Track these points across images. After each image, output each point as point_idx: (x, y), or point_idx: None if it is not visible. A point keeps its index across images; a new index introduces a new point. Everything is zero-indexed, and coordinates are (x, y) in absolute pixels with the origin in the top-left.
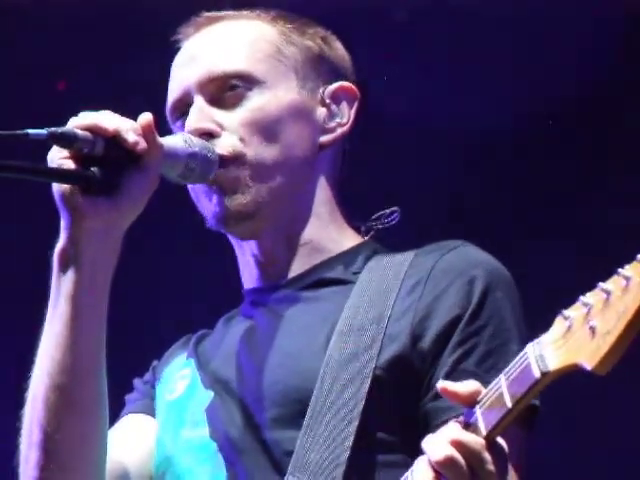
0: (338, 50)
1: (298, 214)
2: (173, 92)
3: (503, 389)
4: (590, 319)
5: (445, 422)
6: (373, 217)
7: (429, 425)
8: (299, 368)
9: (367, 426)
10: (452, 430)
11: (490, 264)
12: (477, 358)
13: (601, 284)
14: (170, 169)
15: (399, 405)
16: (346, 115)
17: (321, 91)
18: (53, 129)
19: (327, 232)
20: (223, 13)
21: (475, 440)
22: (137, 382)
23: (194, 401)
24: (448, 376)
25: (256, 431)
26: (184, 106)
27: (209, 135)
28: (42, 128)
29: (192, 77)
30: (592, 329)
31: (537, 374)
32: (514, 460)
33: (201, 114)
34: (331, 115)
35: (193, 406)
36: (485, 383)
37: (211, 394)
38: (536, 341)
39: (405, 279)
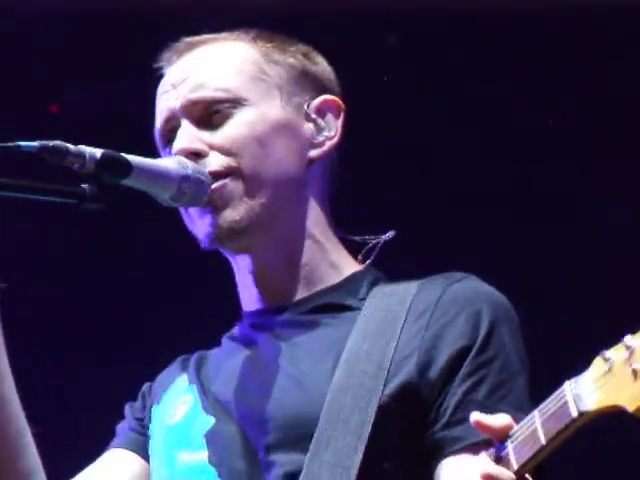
0: (320, 65)
1: (292, 232)
2: (159, 118)
3: (537, 425)
4: (633, 362)
5: (458, 451)
6: (367, 241)
7: (440, 454)
8: (305, 394)
9: (373, 455)
10: (484, 463)
11: (496, 297)
12: (487, 390)
13: None
14: (162, 191)
15: (405, 434)
16: (333, 128)
17: (306, 106)
18: (45, 142)
19: (325, 255)
20: (203, 37)
21: (506, 474)
22: (127, 411)
23: (195, 426)
24: (458, 406)
25: (257, 455)
26: (171, 131)
27: (198, 155)
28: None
29: (177, 102)
30: (635, 372)
31: (575, 413)
32: None
33: (189, 136)
34: (318, 129)
35: (193, 430)
36: (494, 414)
37: (212, 419)
38: (574, 380)
39: (411, 307)
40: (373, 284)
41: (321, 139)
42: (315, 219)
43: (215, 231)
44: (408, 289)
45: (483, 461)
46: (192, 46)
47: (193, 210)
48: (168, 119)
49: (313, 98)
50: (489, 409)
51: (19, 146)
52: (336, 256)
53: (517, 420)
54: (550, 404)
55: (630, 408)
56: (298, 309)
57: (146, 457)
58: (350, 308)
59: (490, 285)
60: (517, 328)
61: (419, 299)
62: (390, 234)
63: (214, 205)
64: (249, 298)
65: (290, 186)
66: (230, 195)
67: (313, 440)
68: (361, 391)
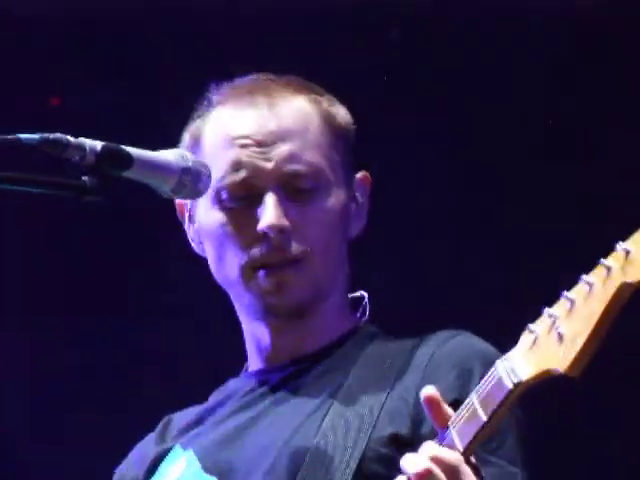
0: (350, 122)
1: (324, 306)
2: (238, 169)
3: (476, 405)
4: (557, 327)
5: None
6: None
7: None
8: (293, 450)
9: None
10: (430, 447)
11: (488, 354)
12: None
13: (565, 293)
14: (163, 183)
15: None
16: (366, 205)
17: (351, 186)
18: (45, 135)
19: (336, 314)
20: (262, 81)
21: (453, 454)
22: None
23: None
24: None
25: None
26: (248, 188)
27: (282, 231)
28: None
29: (267, 164)
30: (560, 335)
31: (510, 385)
32: None
33: (281, 212)
34: (358, 208)
35: None
36: (489, 465)
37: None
38: (504, 357)
39: (406, 362)
40: (371, 339)
41: (360, 218)
42: (342, 287)
43: (281, 306)
44: (404, 345)
45: (429, 445)
46: (257, 92)
47: (261, 284)
48: (252, 177)
49: (353, 169)
50: (480, 461)
51: (19, 139)
52: (344, 313)
53: (509, 475)
54: (485, 384)
55: (561, 369)
56: (296, 367)
57: None
58: (346, 364)
59: (484, 340)
60: None
61: (414, 355)
62: (361, 292)
63: (281, 282)
64: (254, 357)
65: (340, 268)
66: (297, 279)
67: None
68: (350, 433)
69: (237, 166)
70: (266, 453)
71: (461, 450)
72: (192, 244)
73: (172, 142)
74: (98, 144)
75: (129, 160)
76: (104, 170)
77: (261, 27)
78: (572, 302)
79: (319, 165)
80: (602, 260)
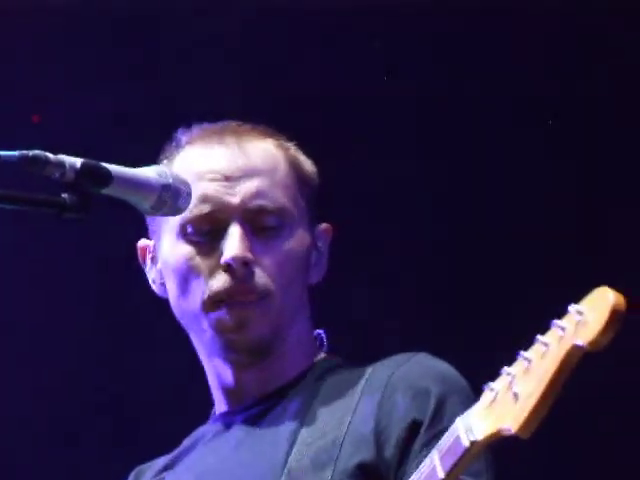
0: (314, 172)
1: (285, 344)
2: (204, 203)
3: (436, 462)
4: (513, 386)
5: None
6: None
7: None
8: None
9: None
10: None
11: (444, 372)
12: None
13: (522, 353)
14: (143, 200)
15: None
16: (326, 254)
17: (314, 233)
18: (24, 152)
19: (298, 352)
20: (230, 125)
21: None
22: None
23: None
24: None
25: None
26: (214, 222)
27: (245, 264)
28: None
29: (233, 199)
30: (515, 395)
31: (466, 444)
32: None
33: (246, 244)
34: (319, 256)
35: None
36: None
37: None
38: (465, 414)
39: (365, 388)
40: (332, 369)
41: (320, 266)
42: (304, 328)
43: (237, 343)
44: (362, 371)
45: None
46: (226, 133)
47: (219, 317)
48: (218, 210)
49: (316, 218)
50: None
51: None
52: (308, 348)
53: None
54: (445, 440)
55: (513, 429)
56: (261, 405)
57: None
58: (309, 397)
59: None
60: (469, 399)
61: (372, 380)
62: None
63: (240, 321)
64: (219, 399)
65: (299, 309)
66: (260, 316)
67: None
68: (316, 467)
69: (203, 200)
70: None
71: None
72: (153, 286)
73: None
74: (77, 161)
75: (108, 177)
76: (83, 187)
77: None
78: (529, 361)
79: (285, 204)
80: (555, 321)
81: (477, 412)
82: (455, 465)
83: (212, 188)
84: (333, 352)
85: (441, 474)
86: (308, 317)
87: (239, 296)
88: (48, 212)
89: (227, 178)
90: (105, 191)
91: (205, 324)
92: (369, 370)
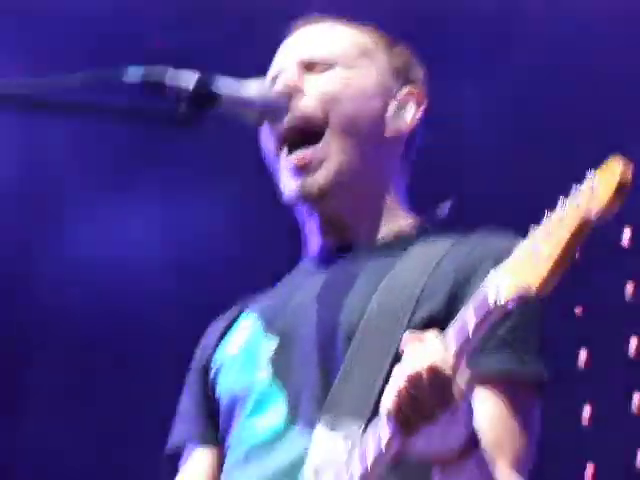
0: (419, 69)
1: (367, 192)
2: (272, 71)
3: (468, 315)
4: (535, 248)
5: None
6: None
7: None
8: (351, 319)
9: None
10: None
11: None
12: (507, 328)
13: (547, 214)
14: (246, 113)
15: None
16: (411, 116)
17: (395, 90)
18: (148, 66)
19: (390, 210)
20: (324, 17)
21: (447, 364)
22: (188, 388)
23: (257, 349)
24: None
25: (316, 368)
26: (278, 73)
27: (295, 91)
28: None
29: (289, 59)
30: (536, 256)
31: (491, 304)
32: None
33: (292, 73)
34: (400, 113)
35: (257, 353)
36: (511, 350)
37: (275, 340)
38: (495, 271)
39: (448, 253)
40: (423, 234)
41: (401, 122)
42: (386, 183)
43: (304, 191)
44: (449, 239)
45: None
46: (313, 21)
47: (283, 164)
48: (279, 71)
49: (401, 75)
50: (508, 345)
51: (125, 70)
52: (398, 211)
53: (520, 360)
54: (478, 294)
55: (533, 287)
56: (358, 252)
57: (216, 440)
58: (399, 251)
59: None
60: None
61: (457, 247)
62: (448, 204)
63: (301, 165)
64: (315, 241)
65: (370, 155)
66: (315, 157)
67: (345, 362)
68: (391, 318)
69: (271, 69)
70: (323, 323)
71: (453, 352)
72: None
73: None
74: (194, 76)
75: (218, 94)
76: (197, 101)
77: None
78: (550, 225)
79: (338, 54)
80: (575, 188)
81: (505, 270)
82: (483, 320)
83: (277, 57)
84: (424, 218)
85: (471, 325)
86: (395, 173)
87: (296, 134)
88: (163, 123)
89: (288, 46)
90: (214, 106)
91: (279, 171)
92: (456, 238)
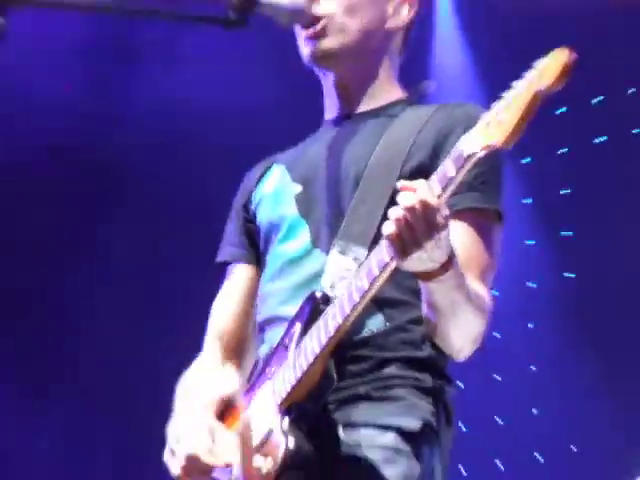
0: None
1: (368, 64)
2: None
3: (447, 164)
4: (499, 114)
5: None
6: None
7: None
8: (357, 167)
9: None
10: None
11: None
12: (475, 175)
13: (511, 86)
14: (280, 16)
15: None
16: (406, 13)
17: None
18: None
19: (386, 84)
20: None
21: (433, 200)
22: (234, 213)
23: (286, 190)
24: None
25: (331, 205)
26: None
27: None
28: None
29: None
30: (500, 121)
31: (465, 156)
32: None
33: None
34: (397, 10)
35: (286, 195)
36: (478, 192)
37: (299, 186)
38: (466, 134)
39: (430, 119)
40: (411, 104)
41: (398, 19)
42: (384, 63)
43: (315, 51)
44: (431, 108)
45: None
46: None
47: (302, 35)
48: None
49: None
50: (475, 188)
51: None
52: (392, 87)
53: (490, 200)
54: (453, 151)
55: (498, 143)
56: (362, 116)
57: (256, 259)
58: (393, 116)
59: None
60: None
61: (437, 113)
62: (433, 85)
63: (316, 34)
64: (331, 107)
65: (370, 36)
66: (327, 31)
67: (353, 201)
68: (389, 166)
69: None
70: (337, 168)
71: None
72: None
73: None
74: None
75: (259, 2)
76: (243, 7)
77: None
78: (510, 98)
79: None
80: (534, 64)
81: (476, 130)
82: (459, 169)
83: None
84: (412, 92)
85: (452, 172)
86: (392, 57)
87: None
88: (214, 26)
89: None
90: (256, 10)
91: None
92: (436, 107)
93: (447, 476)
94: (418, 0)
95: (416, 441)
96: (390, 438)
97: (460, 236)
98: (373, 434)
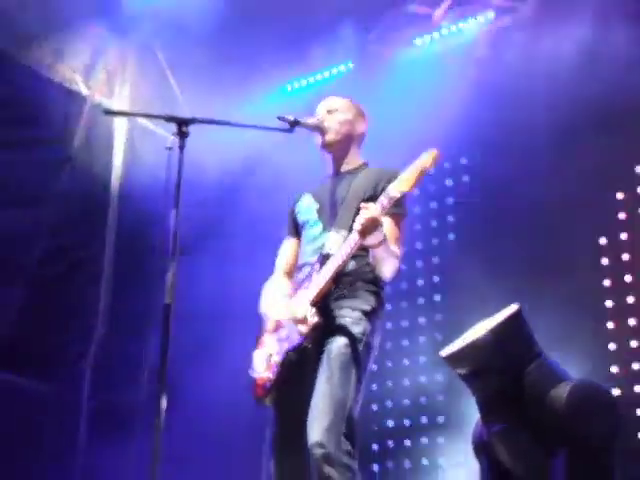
0: (363, 112)
1: (347, 149)
2: (317, 112)
3: (383, 199)
4: (404, 173)
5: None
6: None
7: None
8: (342, 196)
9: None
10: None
11: (395, 174)
12: (395, 201)
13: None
14: (309, 127)
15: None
16: (364, 124)
17: (357, 118)
18: (283, 115)
19: (355, 157)
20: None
21: (377, 211)
22: (289, 216)
23: (311, 207)
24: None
25: (331, 213)
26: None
27: (323, 121)
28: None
29: (322, 108)
30: (404, 178)
31: (392, 195)
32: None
33: (322, 114)
34: (358, 125)
35: (311, 208)
36: (395, 206)
37: (317, 204)
38: (393, 183)
39: (375, 173)
40: (365, 168)
41: (359, 128)
42: (354, 147)
43: (323, 142)
44: (375, 169)
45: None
46: (331, 96)
47: (318, 136)
48: (318, 113)
49: (359, 127)
50: (394, 205)
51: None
52: (358, 158)
53: (400, 208)
54: (385, 192)
55: (405, 189)
56: (344, 174)
57: (298, 236)
58: (358, 173)
59: None
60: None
61: (377, 173)
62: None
63: (323, 133)
64: (329, 168)
65: (348, 136)
66: (328, 133)
67: (340, 210)
68: (356, 197)
69: (317, 110)
70: (333, 197)
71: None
72: None
73: None
74: (292, 116)
75: (299, 121)
76: (293, 124)
77: None
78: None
79: (340, 108)
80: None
81: (397, 183)
82: (389, 201)
83: (319, 106)
84: (366, 162)
85: (385, 202)
86: (358, 144)
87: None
88: (281, 131)
89: (323, 107)
90: (298, 125)
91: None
92: (377, 169)
93: (382, 334)
94: (368, 117)
95: (368, 316)
96: (357, 314)
97: (388, 225)
98: (349, 312)
